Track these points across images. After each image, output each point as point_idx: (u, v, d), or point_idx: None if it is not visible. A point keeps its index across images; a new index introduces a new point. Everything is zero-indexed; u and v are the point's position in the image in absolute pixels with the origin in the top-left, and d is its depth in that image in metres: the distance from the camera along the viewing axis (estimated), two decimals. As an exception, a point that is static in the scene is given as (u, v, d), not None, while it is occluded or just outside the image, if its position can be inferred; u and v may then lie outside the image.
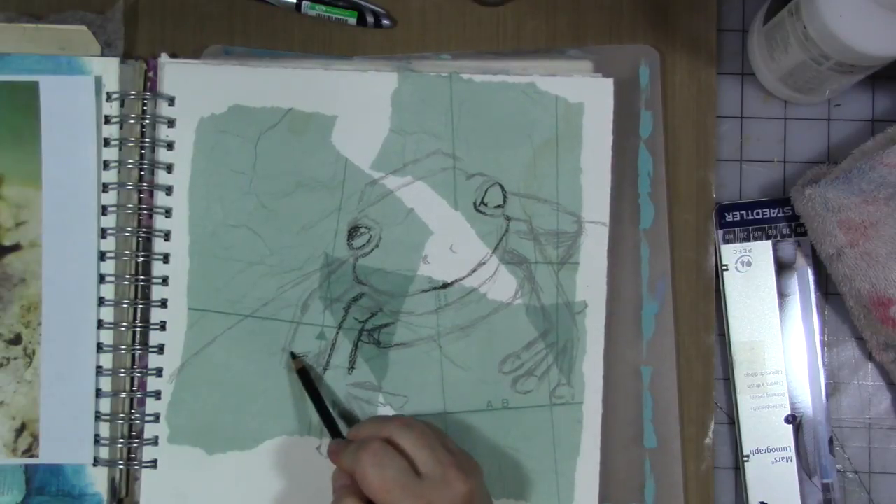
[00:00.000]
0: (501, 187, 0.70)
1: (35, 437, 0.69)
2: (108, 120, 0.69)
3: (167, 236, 0.70)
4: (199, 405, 0.69)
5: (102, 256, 0.69)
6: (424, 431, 0.61)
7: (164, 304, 0.69)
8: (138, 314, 0.69)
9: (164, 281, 0.69)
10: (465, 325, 0.69)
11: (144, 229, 0.69)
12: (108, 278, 0.69)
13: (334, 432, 0.66)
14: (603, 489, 0.69)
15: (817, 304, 0.71)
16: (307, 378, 0.68)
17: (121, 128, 0.70)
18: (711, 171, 0.71)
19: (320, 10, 0.71)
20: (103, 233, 0.69)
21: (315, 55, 0.72)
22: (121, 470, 0.69)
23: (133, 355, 0.69)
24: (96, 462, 0.69)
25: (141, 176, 0.70)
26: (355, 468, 0.59)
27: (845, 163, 0.67)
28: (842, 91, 0.71)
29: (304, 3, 0.71)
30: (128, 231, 0.69)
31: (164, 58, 0.70)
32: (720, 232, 0.71)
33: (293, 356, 0.69)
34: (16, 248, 0.69)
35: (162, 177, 0.70)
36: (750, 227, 0.71)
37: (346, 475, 0.61)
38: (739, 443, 0.70)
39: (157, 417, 0.69)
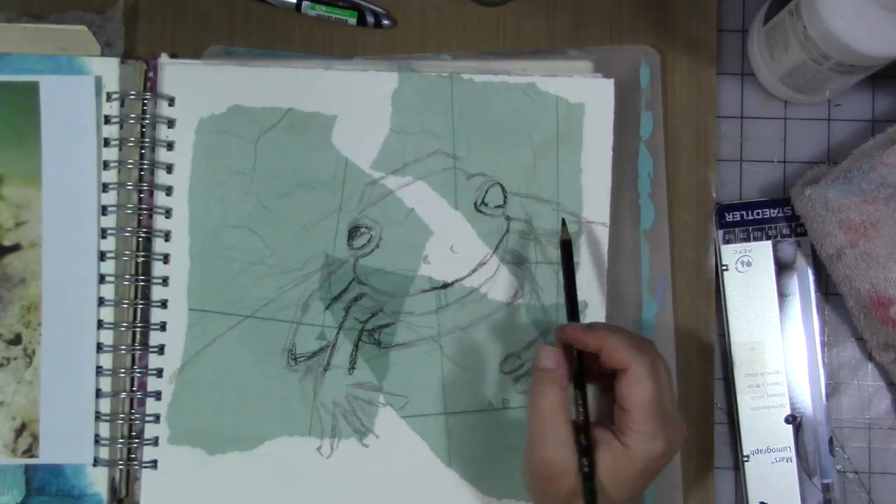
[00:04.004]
0: (502, 187, 0.70)
1: (35, 437, 0.69)
2: (108, 120, 0.69)
3: (167, 236, 0.70)
4: (199, 406, 0.69)
5: (102, 256, 0.69)
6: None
7: (164, 304, 0.69)
8: (138, 314, 0.69)
9: (165, 281, 0.69)
10: (466, 324, 0.69)
11: (144, 229, 0.69)
12: (108, 278, 0.69)
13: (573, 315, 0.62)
14: (603, 489, 0.69)
15: (817, 304, 0.71)
16: (568, 251, 0.63)
17: (121, 128, 0.69)
18: (711, 171, 0.71)
19: (320, 10, 0.71)
20: (103, 233, 0.69)
21: (315, 55, 0.72)
22: (121, 470, 0.69)
23: (133, 355, 0.69)
24: (96, 462, 0.69)
25: (141, 176, 0.70)
26: (632, 364, 0.56)
27: (845, 163, 0.67)
28: (842, 91, 0.71)
29: (304, 3, 0.71)
30: (128, 231, 0.69)
31: (164, 58, 0.70)
32: (720, 232, 0.71)
33: (564, 223, 0.65)
34: (16, 248, 0.69)
35: (162, 177, 0.70)
36: (750, 227, 0.71)
37: (559, 360, 0.59)
38: (739, 443, 0.70)
39: (157, 418, 0.69)
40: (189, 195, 0.70)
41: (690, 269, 0.71)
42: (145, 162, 0.69)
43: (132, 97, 0.69)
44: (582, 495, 0.56)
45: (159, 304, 0.69)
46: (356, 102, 0.70)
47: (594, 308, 0.69)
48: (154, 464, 0.69)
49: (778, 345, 0.70)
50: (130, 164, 0.69)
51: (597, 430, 0.58)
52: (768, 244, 0.71)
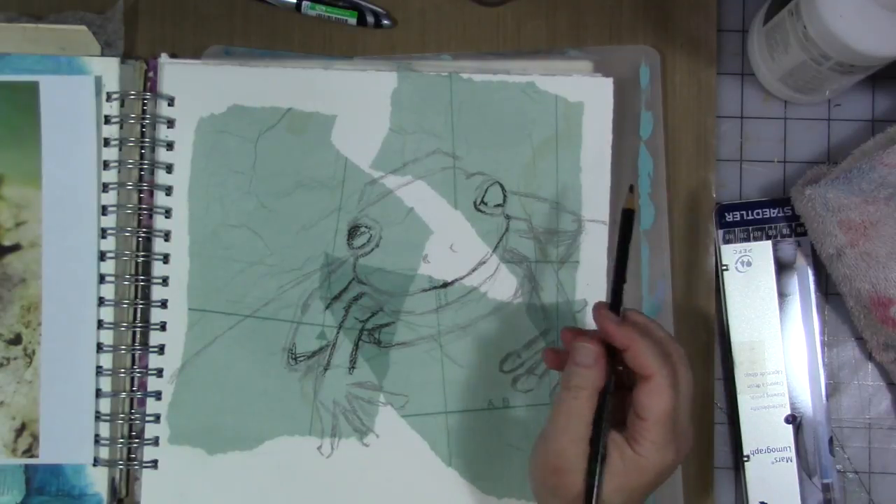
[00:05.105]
0: (501, 186, 0.70)
1: (35, 437, 0.69)
2: (108, 120, 0.69)
3: (167, 236, 0.70)
4: (199, 405, 0.69)
5: (102, 256, 0.69)
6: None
7: (164, 304, 0.69)
8: (138, 314, 0.69)
9: (164, 281, 0.69)
10: (466, 324, 0.69)
11: (144, 229, 0.69)
12: (108, 278, 0.69)
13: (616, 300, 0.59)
14: (603, 489, 0.69)
15: (817, 304, 0.71)
16: (629, 221, 0.60)
17: (121, 128, 0.70)
18: (711, 171, 0.71)
19: (320, 10, 0.71)
20: (103, 233, 0.69)
21: (315, 55, 0.72)
22: (121, 470, 0.69)
23: (133, 355, 0.69)
24: (96, 462, 0.69)
25: (141, 176, 0.70)
26: (659, 370, 0.55)
27: (845, 163, 0.67)
28: (842, 91, 0.71)
29: (304, 3, 0.71)
30: (128, 231, 0.69)
31: (164, 58, 0.70)
32: (720, 232, 0.71)
33: (631, 189, 0.61)
34: (16, 248, 0.69)
35: (162, 177, 0.70)
36: (750, 227, 0.71)
37: (599, 355, 0.56)
38: (739, 443, 0.70)
39: (157, 418, 0.69)
40: (189, 195, 0.70)
41: (690, 269, 0.71)
42: (145, 162, 0.69)
43: (132, 97, 0.69)
44: (585, 497, 0.55)
45: (159, 304, 0.69)
46: (356, 102, 0.70)
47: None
48: (154, 464, 0.69)
49: (778, 345, 0.70)
50: (130, 164, 0.69)
51: (611, 432, 0.56)
52: (768, 244, 0.71)
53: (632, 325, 0.57)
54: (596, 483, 0.55)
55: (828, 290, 0.72)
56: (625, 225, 0.60)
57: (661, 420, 0.55)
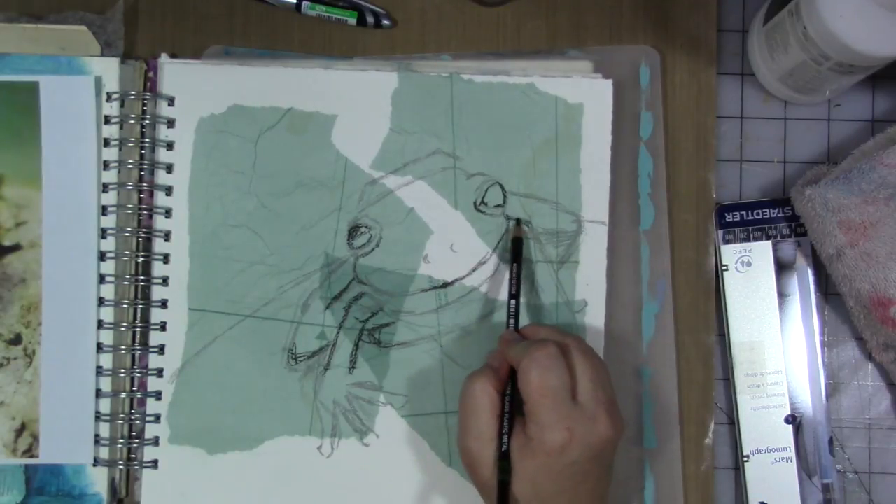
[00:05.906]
0: (501, 187, 0.70)
1: (35, 437, 0.69)
2: (108, 120, 0.69)
3: (167, 236, 0.70)
4: (199, 405, 0.69)
5: (102, 256, 0.69)
6: (597, 364, 0.61)
7: (164, 304, 0.69)
8: (138, 314, 0.69)
9: (165, 281, 0.69)
10: (466, 324, 0.69)
11: (144, 229, 0.69)
12: (108, 278, 0.69)
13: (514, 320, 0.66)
14: (603, 489, 0.69)
15: (817, 304, 0.71)
16: (518, 248, 0.68)
17: (121, 128, 0.70)
18: (711, 172, 0.71)
19: (320, 10, 0.71)
20: (103, 233, 0.69)
21: (315, 55, 0.72)
22: (121, 470, 0.69)
23: (133, 355, 0.69)
24: (96, 462, 0.69)
25: (141, 176, 0.70)
26: (521, 359, 0.59)
27: (845, 163, 0.67)
28: (842, 91, 0.71)
29: (304, 3, 0.71)
30: (128, 231, 0.69)
31: (164, 58, 0.70)
32: (720, 232, 0.71)
33: (518, 222, 0.69)
34: (16, 248, 0.69)
35: (162, 177, 0.70)
36: (750, 228, 0.71)
37: (501, 361, 0.62)
38: (739, 443, 0.70)
39: (157, 418, 0.69)
40: (189, 195, 0.70)
41: (690, 269, 0.71)
42: (145, 162, 0.69)
43: (132, 97, 0.69)
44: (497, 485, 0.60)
45: (159, 304, 0.69)
46: (356, 102, 0.70)
47: (594, 308, 0.69)
48: (154, 464, 0.69)
49: (778, 345, 0.70)
50: (130, 164, 0.69)
51: (516, 419, 0.60)
52: (768, 244, 0.71)
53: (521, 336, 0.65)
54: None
55: (828, 290, 0.72)
56: (515, 252, 0.68)
57: (535, 399, 0.58)
